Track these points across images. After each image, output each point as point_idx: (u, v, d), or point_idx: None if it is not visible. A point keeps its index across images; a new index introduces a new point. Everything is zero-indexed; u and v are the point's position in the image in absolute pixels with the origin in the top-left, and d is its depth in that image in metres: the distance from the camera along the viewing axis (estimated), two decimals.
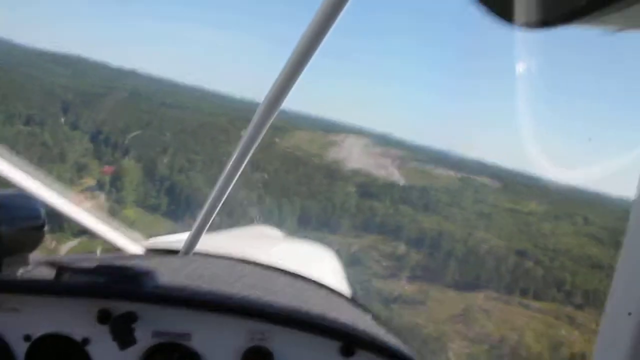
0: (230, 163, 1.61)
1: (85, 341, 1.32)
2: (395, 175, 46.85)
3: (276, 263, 1.93)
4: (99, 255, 1.89)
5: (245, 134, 1.54)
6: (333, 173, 39.29)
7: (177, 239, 1.99)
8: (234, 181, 1.65)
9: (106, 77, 27.59)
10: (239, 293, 1.46)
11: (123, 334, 1.27)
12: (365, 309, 1.78)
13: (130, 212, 19.40)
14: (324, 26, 1.26)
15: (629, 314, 0.70)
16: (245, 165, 1.61)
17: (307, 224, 23.71)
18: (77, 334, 1.32)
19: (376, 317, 1.72)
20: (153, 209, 20.56)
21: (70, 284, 1.31)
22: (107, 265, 1.37)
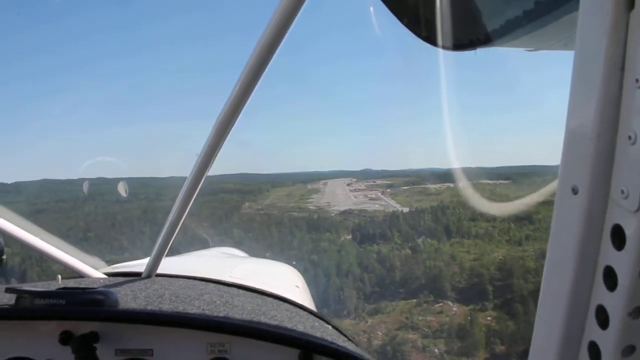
0: (183, 192, 1.82)
1: None
2: (393, 204, 40.04)
3: (237, 281, 2.16)
4: (60, 281, 1.96)
5: (197, 161, 1.71)
6: (318, 223, 32.50)
7: (139, 263, 2.26)
8: (189, 207, 1.86)
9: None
10: (199, 309, 1.67)
11: (85, 354, 1.45)
12: (326, 320, 1.97)
13: None
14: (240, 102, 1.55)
15: None
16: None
17: None
18: (41, 357, 1.51)
19: (336, 327, 1.89)
20: None
21: (29, 308, 1.49)
22: (67, 289, 1.58)
